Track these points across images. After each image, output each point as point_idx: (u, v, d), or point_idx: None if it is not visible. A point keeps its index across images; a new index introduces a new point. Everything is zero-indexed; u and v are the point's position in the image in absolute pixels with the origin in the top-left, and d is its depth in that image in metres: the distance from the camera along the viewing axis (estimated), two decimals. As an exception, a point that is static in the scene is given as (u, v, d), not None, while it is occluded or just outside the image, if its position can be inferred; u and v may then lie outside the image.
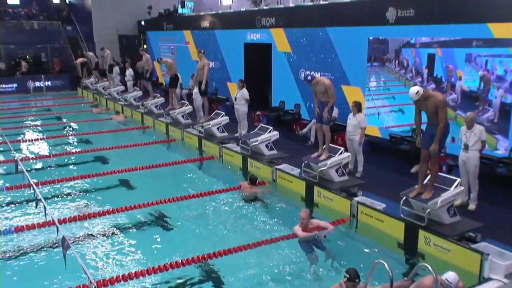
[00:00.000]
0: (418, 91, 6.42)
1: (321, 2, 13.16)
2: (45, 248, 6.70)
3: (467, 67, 8.91)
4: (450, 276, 4.70)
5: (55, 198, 8.73)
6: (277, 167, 9.37)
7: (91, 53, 21.96)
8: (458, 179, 6.80)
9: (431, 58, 9.65)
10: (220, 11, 18.58)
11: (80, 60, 22.23)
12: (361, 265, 5.37)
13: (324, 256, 6.41)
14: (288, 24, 13.56)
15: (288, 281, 5.87)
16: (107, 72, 20.04)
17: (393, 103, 10.63)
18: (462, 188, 6.91)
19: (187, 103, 14.48)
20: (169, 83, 15.00)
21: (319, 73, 12.54)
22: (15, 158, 9.40)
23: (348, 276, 4.76)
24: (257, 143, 10.16)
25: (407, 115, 9.98)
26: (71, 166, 10.90)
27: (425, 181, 6.75)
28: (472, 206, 7.35)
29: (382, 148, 10.36)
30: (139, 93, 17.62)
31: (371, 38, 10.86)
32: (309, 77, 8.61)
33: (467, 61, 8.88)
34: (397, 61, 10.40)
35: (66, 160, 11.40)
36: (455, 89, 9.19)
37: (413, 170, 8.82)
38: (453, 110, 9.16)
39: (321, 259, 6.36)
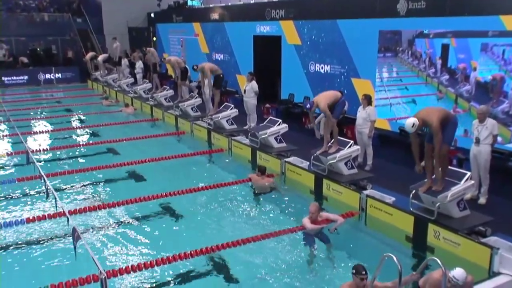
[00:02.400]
0: (414, 124, 6.38)
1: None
2: (55, 239, 6.78)
3: (483, 57, 8.71)
4: (457, 272, 4.59)
5: (66, 189, 8.82)
6: (286, 159, 9.36)
7: (101, 56, 21.75)
8: (469, 173, 6.73)
9: (445, 48, 9.49)
10: (229, 3, 18.50)
11: (89, 55, 22.26)
12: (370, 259, 5.36)
13: (328, 249, 6.42)
14: (298, 16, 13.47)
15: (295, 273, 5.88)
16: (116, 64, 20.08)
17: (406, 94, 10.50)
18: (473, 182, 6.84)
19: (197, 95, 14.48)
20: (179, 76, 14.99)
21: (328, 66, 12.50)
22: (26, 150, 9.48)
23: (354, 271, 4.79)
24: (266, 135, 10.15)
25: (419, 107, 9.85)
26: (81, 158, 10.99)
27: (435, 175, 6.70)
28: (482, 200, 7.29)
29: (392, 141, 10.28)
30: (149, 85, 17.65)
31: (382, 30, 10.74)
32: (307, 106, 8.69)
33: (483, 51, 8.67)
34: (410, 52, 10.27)
35: (76, 152, 11.49)
36: (470, 80, 9.06)
37: (422, 164, 8.74)
38: (467, 102, 9.05)
39: (326, 252, 6.37)
